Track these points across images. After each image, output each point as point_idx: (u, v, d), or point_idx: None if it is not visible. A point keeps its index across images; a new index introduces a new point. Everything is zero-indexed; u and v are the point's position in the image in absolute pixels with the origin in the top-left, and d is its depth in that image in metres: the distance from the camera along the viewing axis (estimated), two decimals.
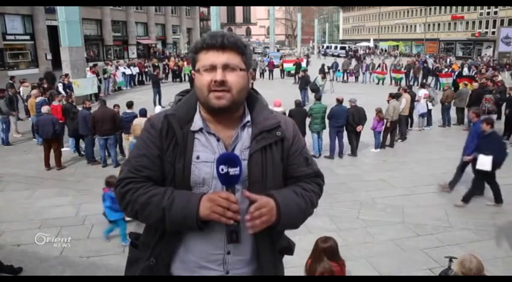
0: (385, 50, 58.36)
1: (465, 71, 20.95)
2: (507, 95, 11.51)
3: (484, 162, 6.50)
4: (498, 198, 6.74)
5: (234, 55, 1.38)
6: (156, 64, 24.88)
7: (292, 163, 1.52)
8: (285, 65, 25.30)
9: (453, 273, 3.51)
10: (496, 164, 6.48)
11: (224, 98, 1.36)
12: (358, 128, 9.27)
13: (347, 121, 9.26)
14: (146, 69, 23.91)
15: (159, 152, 1.43)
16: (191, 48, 1.45)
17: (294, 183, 1.53)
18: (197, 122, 1.45)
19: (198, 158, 1.41)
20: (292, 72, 24.74)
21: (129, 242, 1.63)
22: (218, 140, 1.43)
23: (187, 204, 1.33)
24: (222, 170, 1.31)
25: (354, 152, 9.64)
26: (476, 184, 6.83)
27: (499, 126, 11.58)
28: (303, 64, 24.56)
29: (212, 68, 1.36)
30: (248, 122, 1.48)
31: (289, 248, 1.63)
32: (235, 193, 1.34)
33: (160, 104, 14.89)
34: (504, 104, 11.57)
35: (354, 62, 29.14)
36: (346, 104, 9.47)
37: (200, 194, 1.35)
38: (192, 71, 1.44)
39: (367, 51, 52.94)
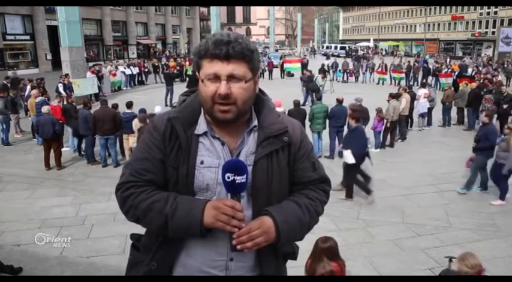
0: (385, 50, 58.39)
1: (468, 71, 20.90)
2: (503, 93, 11.58)
3: (347, 155, 6.68)
4: (367, 191, 6.85)
5: (239, 65, 1.30)
6: (156, 64, 24.88)
7: (298, 168, 1.48)
8: (286, 65, 25.27)
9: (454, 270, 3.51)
10: (357, 158, 6.62)
11: (230, 111, 1.31)
12: None
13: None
14: (146, 70, 23.91)
15: (161, 156, 1.38)
16: (195, 51, 1.38)
17: (299, 189, 1.50)
18: (201, 125, 1.40)
19: (202, 162, 1.37)
20: (293, 72, 24.74)
21: (131, 244, 1.60)
22: (223, 144, 1.39)
23: (191, 211, 1.30)
24: (229, 178, 1.27)
25: None
26: (347, 177, 6.94)
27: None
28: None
29: (216, 78, 1.29)
30: (255, 126, 1.42)
31: (293, 253, 1.60)
32: (240, 201, 1.31)
33: (166, 104, 14.97)
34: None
35: (353, 63, 29.08)
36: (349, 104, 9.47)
37: (204, 201, 1.32)
38: (197, 74, 1.37)
39: (371, 52, 52.53)
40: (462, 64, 25.87)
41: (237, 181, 1.28)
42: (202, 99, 1.36)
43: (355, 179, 6.95)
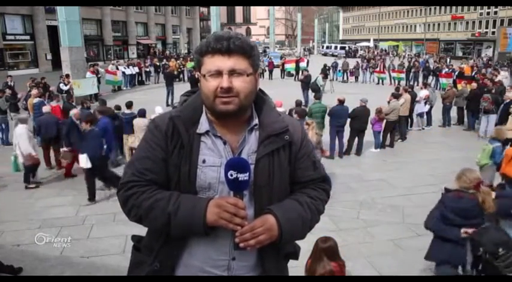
0: (385, 50, 58.35)
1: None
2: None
3: (83, 160, 6.49)
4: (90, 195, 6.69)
5: (240, 59, 1.32)
6: (158, 64, 24.85)
7: (299, 167, 1.49)
8: (286, 65, 25.26)
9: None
10: (94, 160, 6.50)
11: (232, 103, 1.32)
12: None
13: (351, 117, 9.29)
14: (147, 69, 23.87)
15: (163, 155, 1.38)
16: (196, 50, 1.39)
17: (300, 188, 1.50)
18: (203, 124, 1.40)
19: (204, 161, 1.37)
20: (292, 72, 24.75)
21: (132, 245, 1.59)
22: (225, 143, 1.39)
23: (193, 209, 1.30)
24: (231, 175, 1.27)
25: (358, 152, 9.70)
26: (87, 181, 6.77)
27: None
28: (303, 64, 24.55)
29: (218, 74, 1.30)
30: (256, 125, 1.43)
31: (295, 253, 1.60)
32: (242, 199, 1.31)
33: (167, 104, 14.97)
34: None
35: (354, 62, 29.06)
36: (353, 103, 9.46)
37: (207, 199, 1.32)
38: (198, 73, 1.39)
39: (377, 52, 52.17)
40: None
41: (239, 179, 1.28)
42: (204, 96, 1.36)
43: (94, 183, 6.80)
